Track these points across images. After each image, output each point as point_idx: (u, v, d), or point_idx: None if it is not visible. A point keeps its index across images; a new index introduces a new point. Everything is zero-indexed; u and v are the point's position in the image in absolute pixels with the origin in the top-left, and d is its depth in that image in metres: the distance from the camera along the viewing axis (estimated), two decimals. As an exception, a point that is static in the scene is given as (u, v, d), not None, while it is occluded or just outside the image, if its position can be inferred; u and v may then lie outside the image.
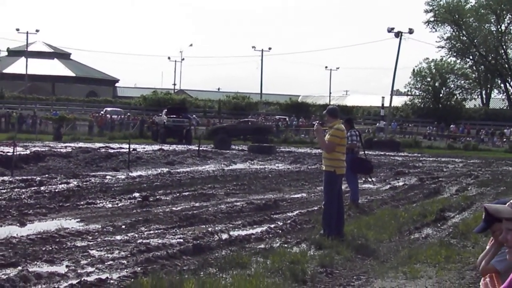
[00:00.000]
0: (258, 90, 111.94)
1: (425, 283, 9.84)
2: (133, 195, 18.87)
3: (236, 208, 16.94)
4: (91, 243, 11.95)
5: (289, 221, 14.88)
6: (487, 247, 4.72)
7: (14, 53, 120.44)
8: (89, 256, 10.83)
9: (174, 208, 16.67)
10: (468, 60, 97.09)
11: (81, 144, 43.20)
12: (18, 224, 13.77)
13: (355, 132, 18.03)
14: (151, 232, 13.34)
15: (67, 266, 10.14)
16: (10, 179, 21.50)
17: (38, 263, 10.30)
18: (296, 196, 20.44)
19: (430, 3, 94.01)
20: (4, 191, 18.78)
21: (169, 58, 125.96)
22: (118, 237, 12.56)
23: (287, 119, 78.55)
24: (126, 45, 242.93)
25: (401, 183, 25.33)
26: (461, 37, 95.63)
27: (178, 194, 19.47)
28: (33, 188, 19.44)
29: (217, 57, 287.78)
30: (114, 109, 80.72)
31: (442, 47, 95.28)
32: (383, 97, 76.24)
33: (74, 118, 62.40)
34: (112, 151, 35.82)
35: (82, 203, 17.04)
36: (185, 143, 49.33)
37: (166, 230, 13.54)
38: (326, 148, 12.89)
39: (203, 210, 16.48)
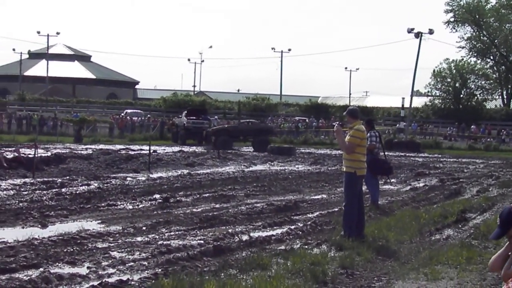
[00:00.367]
0: (278, 92, 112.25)
1: (446, 284, 9.80)
2: (154, 197, 18.91)
3: (256, 209, 16.94)
4: (112, 244, 11.99)
5: (309, 223, 14.86)
6: (501, 250, 4.69)
7: (35, 56, 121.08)
8: (110, 257, 10.87)
9: (194, 210, 16.70)
10: (488, 60, 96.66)
11: (101, 146, 43.44)
12: (39, 226, 13.84)
13: (374, 133, 17.97)
14: (172, 233, 13.36)
15: (88, 267, 10.17)
16: (32, 181, 21.62)
17: (59, 264, 10.34)
18: (316, 197, 20.41)
19: (450, 4, 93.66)
20: (25, 193, 18.90)
21: (189, 60, 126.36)
22: (139, 239, 12.60)
23: (306, 120, 78.46)
24: (146, 47, 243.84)
25: (421, 184, 25.21)
26: (482, 37, 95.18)
27: (198, 196, 19.50)
28: (54, 190, 19.55)
29: (237, 58, 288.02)
30: (134, 111, 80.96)
31: (463, 48, 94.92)
32: (403, 98, 76.01)
33: (95, 120, 62.67)
34: (132, 152, 35.99)
35: (103, 204, 17.10)
36: (205, 144, 49.44)
37: (186, 232, 13.56)
38: (346, 149, 12.86)
39: (223, 211, 16.48)
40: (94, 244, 11.95)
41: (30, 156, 26.47)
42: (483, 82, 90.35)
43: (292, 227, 14.37)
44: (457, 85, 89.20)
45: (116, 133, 62.45)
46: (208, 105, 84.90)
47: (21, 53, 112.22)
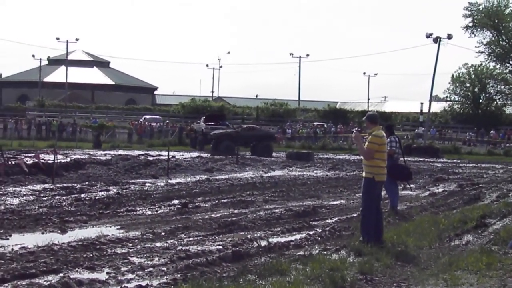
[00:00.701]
0: (296, 97, 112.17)
1: (466, 290, 9.75)
2: (173, 202, 18.96)
3: (275, 215, 16.93)
4: (131, 250, 12.03)
5: (328, 228, 14.84)
6: None
7: (54, 62, 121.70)
8: (129, 263, 10.90)
9: (213, 215, 16.72)
10: (508, 65, 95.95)
11: (120, 152, 43.55)
12: (59, 231, 13.91)
13: (394, 139, 17.93)
14: (191, 239, 13.38)
15: (107, 273, 10.21)
16: (51, 187, 21.73)
17: (79, 270, 10.38)
18: (335, 202, 20.38)
19: (469, 8, 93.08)
20: (45, 198, 19.00)
21: (207, 65, 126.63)
22: (158, 244, 12.62)
23: (325, 125, 78.38)
24: (165, 53, 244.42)
25: (440, 190, 25.12)
26: (501, 42, 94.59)
27: (217, 201, 19.52)
28: (73, 196, 19.64)
29: (255, 64, 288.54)
30: (153, 116, 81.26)
31: (482, 52, 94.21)
32: (421, 103, 75.78)
33: (114, 126, 62.89)
34: (151, 158, 36.06)
35: (122, 210, 17.17)
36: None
37: (205, 237, 13.58)
38: (365, 155, 12.84)
39: (242, 217, 16.49)
40: (113, 249, 11.99)
41: (49, 162, 26.59)
42: (502, 87, 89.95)
43: (311, 232, 14.35)
44: (476, 90, 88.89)
45: (135, 138, 62.63)
46: (226, 110, 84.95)
47: (40, 59, 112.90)
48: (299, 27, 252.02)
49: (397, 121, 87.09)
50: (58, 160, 27.43)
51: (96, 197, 19.48)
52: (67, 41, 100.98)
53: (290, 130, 73.69)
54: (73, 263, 10.69)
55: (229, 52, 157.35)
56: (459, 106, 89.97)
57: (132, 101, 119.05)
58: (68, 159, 31.51)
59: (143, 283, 9.57)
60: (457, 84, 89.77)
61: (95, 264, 10.70)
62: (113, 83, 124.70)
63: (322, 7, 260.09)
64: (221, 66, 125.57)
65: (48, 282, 9.46)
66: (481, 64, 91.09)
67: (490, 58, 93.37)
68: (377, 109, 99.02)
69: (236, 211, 17.61)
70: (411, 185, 22.98)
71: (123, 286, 9.42)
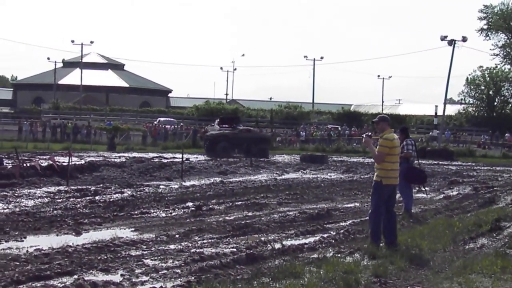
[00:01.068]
0: (310, 100, 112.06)
1: (481, 293, 9.72)
2: (187, 205, 18.98)
3: (289, 217, 16.91)
4: (145, 252, 12.04)
5: (342, 231, 14.82)
6: None
7: (69, 64, 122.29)
8: (143, 265, 10.91)
9: (227, 218, 16.72)
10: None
11: (134, 154, 43.69)
12: (73, 233, 13.95)
13: (411, 142, 17.88)
14: (205, 241, 13.39)
15: (122, 275, 10.23)
16: (66, 189, 21.80)
17: (93, 271, 10.40)
18: (349, 205, 20.35)
19: (484, 11, 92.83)
20: (60, 200, 19.07)
21: (221, 68, 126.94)
22: (172, 246, 12.63)
23: (339, 128, 78.34)
24: (179, 55, 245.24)
25: (455, 193, 25.05)
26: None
27: (231, 204, 19.52)
28: (88, 198, 19.71)
29: (269, 66, 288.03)
30: (167, 119, 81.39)
31: (496, 55, 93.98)
32: (436, 106, 75.76)
33: (128, 128, 63.04)
34: (165, 161, 36.15)
35: (136, 212, 17.20)
36: (238, 152, 49.37)
37: (219, 240, 13.58)
38: (375, 159, 12.83)
39: (256, 219, 16.48)
40: (127, 251, 12.01)
41: (64, 164, 26.68)
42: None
43: (325, 235, 14.34)
44: (490, 92, 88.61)
45: (149, 141, 62.75)
46: (240, 113, 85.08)
47: (55, 62, 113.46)
48: (314, 30, 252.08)
49: (411, 124, 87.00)
50: (73, 162, 27.55)
51: (111, 199, 19.54)
52: (82, 44, 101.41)
53: (304, 132, 73.67)
54: (88, 265, 10.72)
55: (243, 55, 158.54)
56: (473, 109, 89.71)
57: (146, 103, 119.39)
58: (83, 162, 31.66)
59: (157, 285, 9.58)
60: (472, 87, 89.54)
61: (109, 266, 10.72)
62: (127, 85, 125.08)
63: (337, 10, 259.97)
64: (235, 69, 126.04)
65: (63, 284, 9.49)
66: (496, 66, 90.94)
67: (505, 60, 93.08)
68: (392, 112, 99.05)
69: (250, 214, 17.61)
70: (426, 188, 22.90)
71: (137, 288, 9.44)
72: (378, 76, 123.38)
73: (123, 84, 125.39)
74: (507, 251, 12.81)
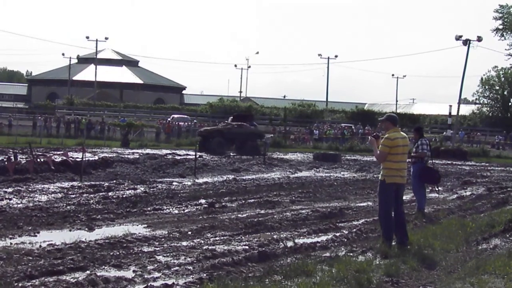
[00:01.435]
0: (324, 98, 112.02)
1: (493, 294, 9.69)
2: (199, 202, 19.00)
3: (301, 215, 16.90)
4: (158, 248, 12.07)
5: (354, 230, 14.79)
6: None
7: (84, 61, 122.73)
8: (155, 261, 10.93)
9: (239, 215, 16.73)
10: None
11: (148, 151, 43.73)
12: (86, 229, 14.00)
13: (425, 141, 17.81)
14: (217, 238, 13.40)
15: (134, 271, 10.25)
16: (79, 185, 21.86)
17: (106, 267, 10.44)
18: (361, 204, 20.32)
19: (499, 11, 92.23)
20: (73, 196, 19.13)
21: (235, 65, 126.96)
22: (184, 243, 12.65)
23: (353, 127, 78.22)
24: (193, 53, 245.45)
25: (468, 193, 24.96)
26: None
27: (243, 201, 19.53)
28: (101, 194, 19.76)
29: (283, 64, 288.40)
30: (181, 116, 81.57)
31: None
32: (450, 106, 75.47)
33: (142, 125, 63.12)
34: (178, 157, 36.17)
35: (149, 209, 17.24)
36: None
37: (231, 237, 13.59)
38: (376, 158, 12.84)
39: (268, 217, 16.48)
40: (140, 248, 12.04)
41: (78, 159, 26.77)
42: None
43: (337, 234, 14.32)
44: (505, 93, 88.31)
45: (163, 138, 62.83)
46: (254, 111, 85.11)
47: (70, 58, 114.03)
48: (328, 28, 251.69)
49: (425, 124, 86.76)
50: (86, 158, 27.62)
51: (124, 196, 19.58)
52: (96, 40, 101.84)
53: (317, 131, 73.61)
54: (100, 260, 10.76)
55: (257, 53, 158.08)
56: (488, 109, 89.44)
57: (160, 100, 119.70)
58: (96, 157, 31.73)
59: (169, 282, 9.60)
60: (486, 87, 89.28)
61: (121, 262, 10.75)
62: (141, 82, 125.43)
63: (351, 8, 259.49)
64: (249, 66, 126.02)
65: (75, 279, 9.53)
66: (511, 67, 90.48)
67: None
68: (405, 111, 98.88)
69: (262, 212, 17.62)
70: (439, 188, 22.83)
71: (149, 284, 9.45)
72: (393, 75, 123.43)
73: (137, 80, 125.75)
74: (520, 252, 12.75)
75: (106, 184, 22.29)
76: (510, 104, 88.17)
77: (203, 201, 19.18)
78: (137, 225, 14.76)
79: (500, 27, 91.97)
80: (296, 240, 13.29)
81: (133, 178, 24.79)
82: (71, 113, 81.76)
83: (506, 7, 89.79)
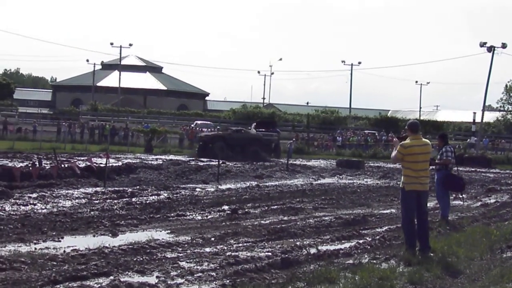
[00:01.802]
0: (347, 105, 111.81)
1: (518, 303, 9.62)
2: (222, 208, 19.01)
3: (324, 222, 16.87)
4: (181, 254, 12.08)
5: (378, 237, 14.74)
6: None
7: (108, 67, 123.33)
8: (179, 267, 10.95)
9: (262, 222, 16.72)
10: None
11: (171, 157, 43.83)
12: (110, 235, 14.04)
13: (450, 148, 17.71)
14: (240, 245, 13.40)
15: (157, 277, 10.27)
16: (103, 190, 21.94)
17: (129, 273, 10.46)
18: (385, 211, 20.25)
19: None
20: (97, 201, 19.20)
21: (258, 72, 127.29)
22: (208, 249, 12.67)
23: (376, 134, 77.99)
24: (217, 59, 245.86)
25: (492, 201, 24.81)
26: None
27: (266, 208, 19.53)
28: (124, 199, 19.82)
29: (307, 71, 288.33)
30: (204, 122, 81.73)
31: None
32: (474, 113, 75.17)
33: (165, 131, 63.25)
34: (202, 164, 36.24)
35: (172, 215, 17.27)
36: (274, 156, 49.13)
37: (254, 243, 13.59)
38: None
39: (291, 224, 16.47)
40: (163, 253, 12.06)
41: (101, 165, 26.88)
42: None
43: (361, 241, 14.27)
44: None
45: (186, 144, 62.91)
46: (277, 117, 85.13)
47: (94, 64, 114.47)
48: (352, 35, 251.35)
49: (449, 130, 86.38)
50: (110, 164, 27.74)
51: (147, 201, 19.64)
52: (120, 46, 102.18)
53: (340, 137, 73.48)
54: (124, 266, 10.79)
55: (280, 59, 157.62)
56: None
57: (184, 106, 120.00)
58: (120, 163, 31.87)
59: (192, 288, 9.62)
60: (511, 94, 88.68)
61: (145, 267, 10.78)
62: (165, 88, 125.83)
63: (375, 15, 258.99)
64: (272, 73, 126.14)
65: (99, 285, 9.56)
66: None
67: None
68: (429, 118, 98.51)
69: (285, 218, 17.60)
70: (463, 195, 22.71)
71: (172, 290, 9.48)
72: (416, 82, 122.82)
73: (161, 87, 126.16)
74: (545, 261, 12.65)
75: (130, 190, 22.36)
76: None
77: (226, 207, 19.20)
78: (161, 231, 14.80)
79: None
80: (319, 247, 13.26)
81: (156, 184, 24.86)
82: (95, 119, 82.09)
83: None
